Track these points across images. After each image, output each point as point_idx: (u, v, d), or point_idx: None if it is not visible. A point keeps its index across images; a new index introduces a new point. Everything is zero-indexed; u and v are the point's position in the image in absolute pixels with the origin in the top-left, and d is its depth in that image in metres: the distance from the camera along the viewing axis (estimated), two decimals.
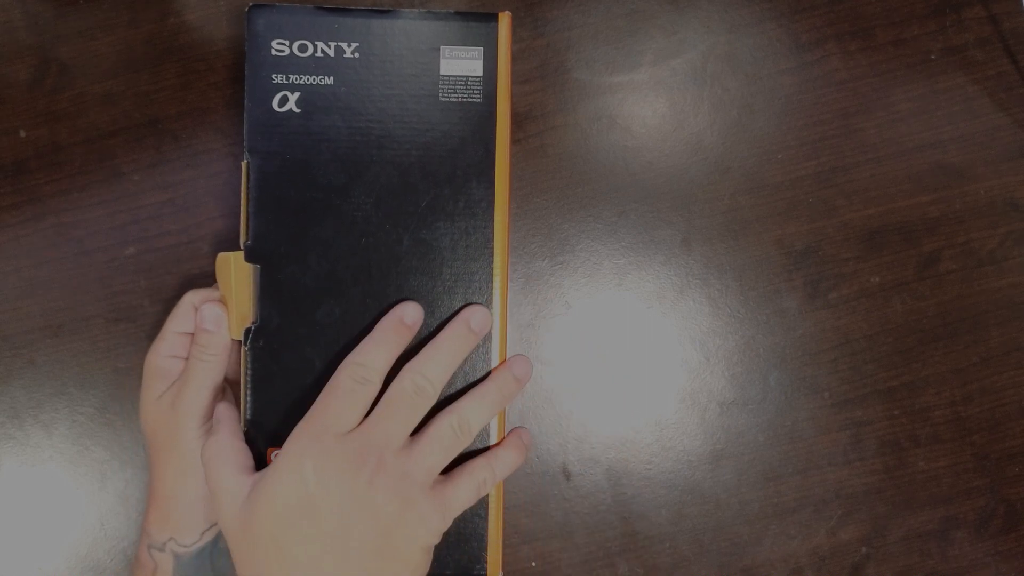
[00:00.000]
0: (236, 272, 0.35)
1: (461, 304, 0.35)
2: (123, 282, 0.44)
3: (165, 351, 0.37)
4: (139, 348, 0.43)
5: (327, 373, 0.33)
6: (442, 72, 0.35)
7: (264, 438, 0.34)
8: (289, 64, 0.35)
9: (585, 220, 0.44)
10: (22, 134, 0.44)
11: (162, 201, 0.44)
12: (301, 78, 0.35)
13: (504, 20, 0.35)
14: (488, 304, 0.35)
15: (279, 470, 0.31)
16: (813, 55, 0.45)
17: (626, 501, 0.44)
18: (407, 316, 0.33)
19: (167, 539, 0.35)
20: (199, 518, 0.35)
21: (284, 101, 0.35)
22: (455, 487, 0.33)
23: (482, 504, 0.35)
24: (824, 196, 0.45)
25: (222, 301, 0.36)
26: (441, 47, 0.35)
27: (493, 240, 0.35)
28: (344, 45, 0.35)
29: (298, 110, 0.35)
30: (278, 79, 0.35)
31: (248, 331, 0.34)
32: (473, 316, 0.34)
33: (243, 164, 0.35)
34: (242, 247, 0.35)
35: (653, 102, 0.45)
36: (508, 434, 0.36)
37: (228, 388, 0.37)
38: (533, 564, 0.43)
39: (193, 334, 0.36)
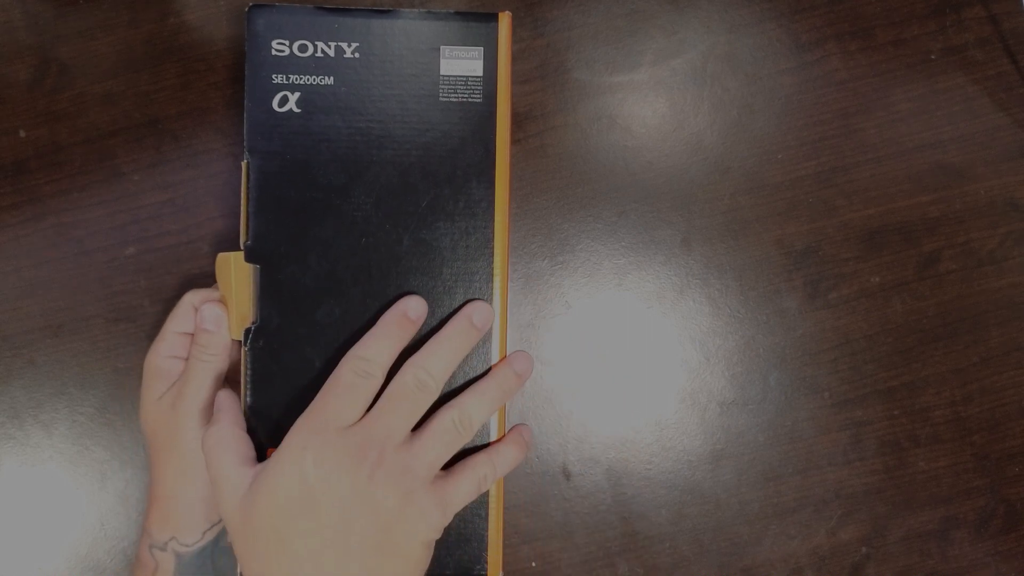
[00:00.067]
0: (236, 272, 0.35)
1: (462, 304, 0.35)
2: (123, 282, 0.44)
3: (165, 351, 0.37)
4: (139, 348, 0.43)
5: (327, 373, 0.33)
6: (442, 72, 0.35)
7: (264, 438, 0.34)
8: (289, 64, 0.35)
9: (585, 220, 0.44)
10: (22, 134, 0.44)
11: (162, 201, 0.44)
12: (301, 78, 0.35)
13: (504, 20, 0.35)
14: (488, 304, 0.35)
15: (280, 462, 0.31)
16: (813, 55, 0.45)
17: (626, 501, 0.44)
18: (411, 310, 0.33)
19: (168, 538, 0.35)
20: (200, 518, 0.35)
21: (284, 101, 0.35)
22: (456, 482, 0.33)
23: (482, 504, 0.35)
24: (824, 196, 0.45)
25: (222, 301, 0.36)
26: (441, 47, 0.35)
27: (493, 240, 0.35)
28: (344, 45, 0.35)
29: (298, 110, 0.35)
30: (278, 79, 0.35)
31: (248, 331, 0.34)
32: (475, 312, 0.34)
33: (243, 164, 0.35)
34: (242, 247, 0.35)
35: (653, 102, 0.45)
36: (509, 431, 0.36)
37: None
38: (533, 564, 0.43)
39: (193, 334, 0.36)
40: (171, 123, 0.44)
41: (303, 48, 0.35)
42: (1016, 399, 0.44)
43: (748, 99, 0.45)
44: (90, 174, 0.44)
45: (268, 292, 0.34)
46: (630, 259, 0.44)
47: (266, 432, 0.34)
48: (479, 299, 0.35)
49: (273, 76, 0.35)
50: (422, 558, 0.32)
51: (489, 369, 0.35)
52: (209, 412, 0.35)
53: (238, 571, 0.35)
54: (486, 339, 0.35)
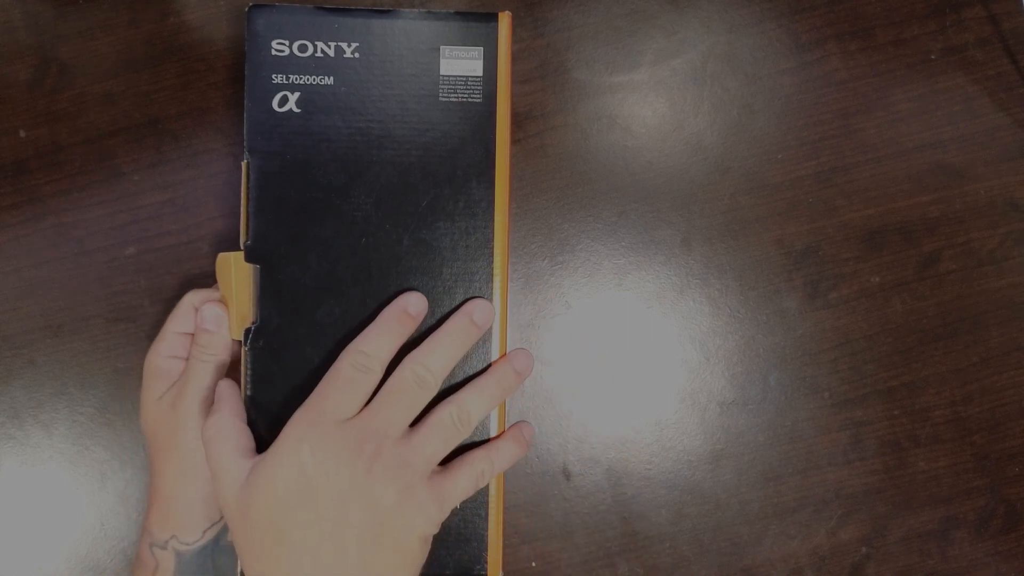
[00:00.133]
0: (236, 272, 0.35)
1: (462, 302, 0.35)
2: (123, 282, 0.44)
3: (165, 351, 0.37)
4: (139, 348, 0.43)
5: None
6: (442, 72, 0.35)
7: (264, 437, 0.34)
8: (289, 64, 0.35)
9: (585, 220, 0.44)
10: (22, 134, 0.44)
11: (162, 201, 0.44)
12: (301, 78, 0.35)
13: (504, 20, 0.35)
14: (489, 302, 0.35)
15: (278, 454, 0.31)
16: (813, 55, 0.45)
17: (626, 501, 0.44)
18: (411, 306, 0.33)
19: (169, 537, 0.35)
20: (200, 517, 0.35)
21: (284, 101, 0.35)
22: (453, 477, 0.33)
23: (482, 504, 0.35)
24: (824, 196, 0.45)
25: (222, 301, 0.36)
26: (441, 47, 0.35)
27: (493, 240, 0.35)
28: (344, 45, 0.35)
29: (298, 110, 0.35)
30: (278, 79, 0.35)
31: (248, 331, 0.34)
32: (476, 309, 0.34)
33: (243, 164, 0.35)
34: (242, 247, 0.35)
35: (653, 102, 0.45)
36: (510, 427, 0.36)
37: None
38: (533, 564, 0.43)
39: (193, 334, 0.36)
40: (171, 123, 0.44)
41: (303, 48, 0.35)
42: (1016, 399, 0.44)
43: (748, 99, 0.45)
44: (90, 174, 0.44)
45: (268, 292, 0.34)
46: (630, 259, 0.44)
47: (266, 431, 0.34)
48: (480, 297, 0.35)
49: (273, 76, 0.35)
50: (419, 552, 0.32)
51: (489, 366, 0.35)
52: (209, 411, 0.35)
53: (238, 570, 0.35)
54: (486, 339, 0.35)
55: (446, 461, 0.34)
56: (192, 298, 0.37)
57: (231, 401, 0.34)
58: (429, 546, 0.33)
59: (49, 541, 0.43)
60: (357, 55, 0.35)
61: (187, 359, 0.36)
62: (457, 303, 0.35)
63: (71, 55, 0.44)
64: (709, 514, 0.44)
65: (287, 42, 0.35)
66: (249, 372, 0.34)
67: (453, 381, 0.34)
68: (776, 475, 0.44)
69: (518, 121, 0.45)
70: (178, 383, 0.36)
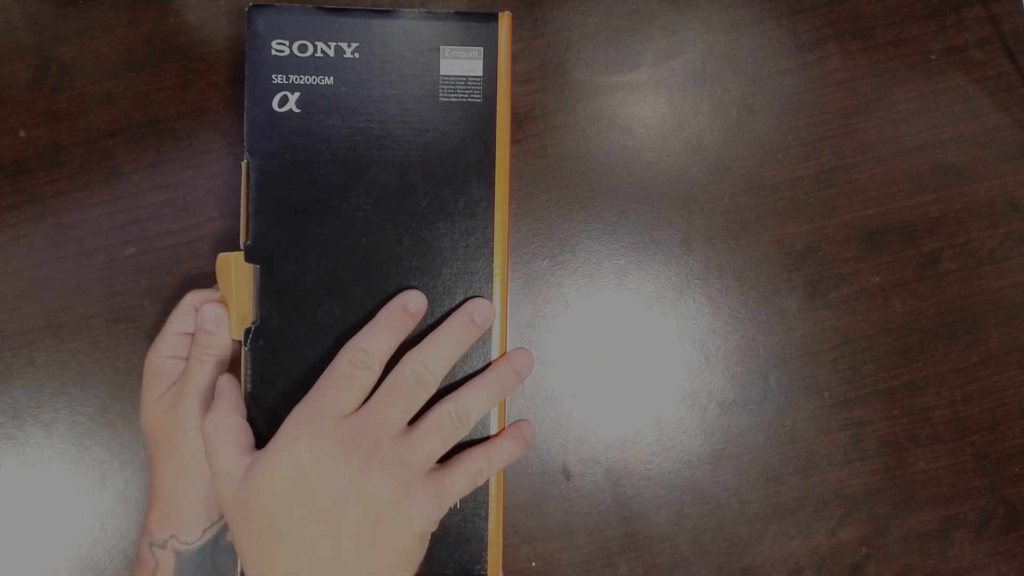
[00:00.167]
0: (236, 272, 0.35)
1: (462, 301, 0.35)
2: (123, 282, 0.44)
3: (165, 351, 0.37)
4: (139, 348, 0.43)
5: None
6: (442, 72, 0.35)
7: (264, 437, 0.34)
8: (289, 64, 0.35)
9: (585, 220, 0.44)
10: (22, 134, 0.44)
11: (162, 201, 0.44)
12: (301, 78, 0.35)
13: (504, 20, 0.35)
14: (489, 301, 0.35)
15: (275, 450, 0.31)
16: (813, 55, 0.45)
17: (626, 501, 0.44)
18: (410, 304, 0.33)
19: (168, 537, 0.35)
20: (200, 516, 0.35)
21: (284, 101, 0.35)
22: (451, 475, 0.33)
23: (482, 504, 0.35)
24: (824, 196, 0.45)
25: (222, 302, 0.36)
26: (441, 47, 0.35)
27: (493, 240, 0.35)
28: (344, 45, 0.35)
29: (298, 110, 0.35)
30: (278, 79, 0.35)
31: (248, 331, 0.34)
32: (476, 309, 0.34)
33: (243, 164, 0.35)
34: (242, 247, 0.35)
35: (653, 102, 0.45)
36: (509, 426, 0.36)
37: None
38: (533, 564, 0.43)
39: (193, 335, 0.36)
40: (171, 123, 0.44)
41: (303, 48, 0.35)
42: (1016, 399, 0.44)
43: (748, 99, 0.45)
44: (90, 174, 0.44)
45: (268, 292, 0.34)
46: (630, 259, 0.44)
47: (266, 432, 0.34)
48: (480, 296, 0.35)
49: (273, 76, 0.35)
50: (417, 550, 0.32)
51: (488, 365, 0.35)
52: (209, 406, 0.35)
53: (238, 570, 0.35)
54: (486, 339, 0.35)
55: (445, 460, 0.34)
56: (192, 298, 0.37)
57: (231, 396, 0.34)
58: (427, 544, 0.33)
59: (49, 541, 0.43)
60: (357, 55, 0.35)
61: (187, 359, 0.36)
62: (457, 303, 0.35)
63: (71, 55, 0.44)
64: (709, 514, 0.44)
65: (287, 42, 0.35)
66: (249, 372, 0.34)
67: (452, 380, 0.35)
68: (776, 475, 0.44)
69: (518, 121, 0.45)
70: (178, 383, 0.36)
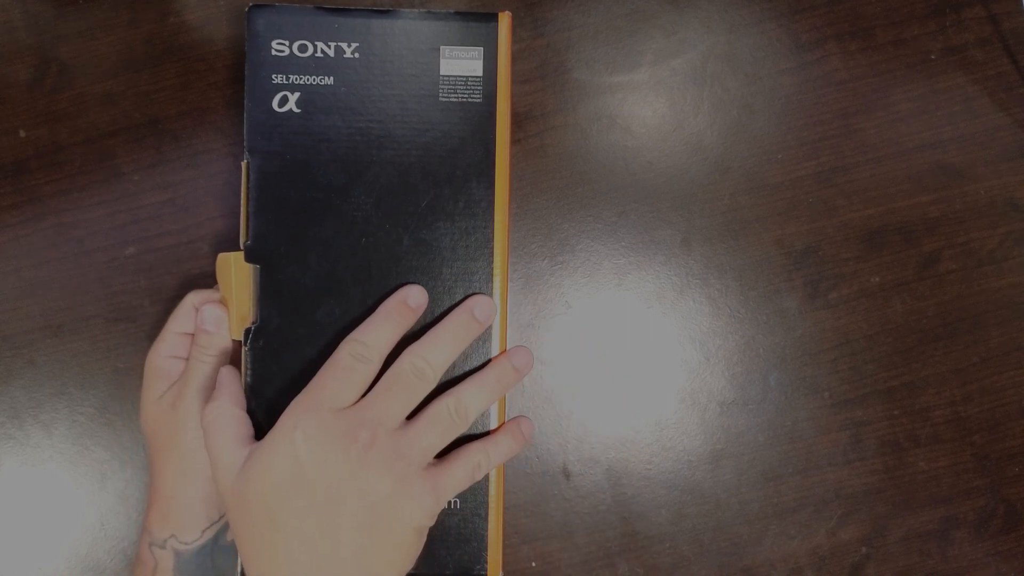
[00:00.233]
0: (236, 272, 0.35)
1: (463, 298, 0.35)
2: (123, 282, 0.44)
3: (165, 351, 0.37)
4: (139, 348, 0.43)
5: None
6: (442, 72, 0.35)
7: (264, 436, 0.34)
8: (289, 64, 0.35)
9: (585, 220, 0.44)
10: (22, 134, 0.44)
11: (162, 201, 0.44)
12: (301, 78, 0.35)
13: (504, 20, 0.35)
14: (490, 297, 0.35)
15: (273, 441, 0.31)
16: (813, 55, 0.45)
17: (626, 501, 0.44)
18: (411, 298, 0.33)
19: (168, 536, 0.35)
20: (199, 517, 0.35)
21: (284, 101, 0.35)
22: (449, 469, 0.33)
23: (482, 504, 0.35)
24: (824, 196, 0.45)
25: (222, 302, 0.36)
26: (441, 47, 0.35)
27: (493, 240, 0.35)
28: (344, 45, 0.35)
29: (298, 110, 0.35)
30: (278, 79, 0.35)
31: (248, 331, 0.34)
32: (477, 305, 0.34)
33: (243, 164, 0.35)
34: (242, 247, 0.35)
35: (653, 102, 0.45)
36: (508, 421, 0.36)
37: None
38: (533, 564, 0.43)
39: (193, 335, 0.36)
40: (171, 123, 0.44)
41: (303, 48, 0.35)
42: (1016, 399, 0.44)
43: (748, 99, 0.45)
44: (90, 174, 0.44)
45: (268, 292, 0.34)
46: (630, 259, 0.44)
47: (265, 431, 0.34)
48: (481, 293, 0.35)
49: (273, 76, 0.35)
50: (414, 543, 0.32)
51: (488, 362, 0.35)
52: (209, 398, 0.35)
53: (238, 570, 0.35)
54: (485, 339, 0.35)
55: (445, 457, 0.34)
56: (193, 299, 0.37)
57: (231, 388, 0.34)
58: (424, 538, 0.33)
59: (49, 541, 0.43)
60: (357, 55, 0.35)
61: (187, 360, 0.37)
62: (458, 302, 0.35)
63: (71, 55, 0.44)
64: (709, 514, 0.44)
65: (287, 42, 0.35)
66: (249, 372, 0.34)
67: (452, 376, 0.35)
68: (776, 475, 0.44)
69: (518, 121, 0.45)
70: (178, 383, 0.36)
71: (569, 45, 0.45)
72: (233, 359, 0.37)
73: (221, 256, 0.35)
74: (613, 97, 0.45)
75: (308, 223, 0.34)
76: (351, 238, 0.34)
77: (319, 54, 0.35)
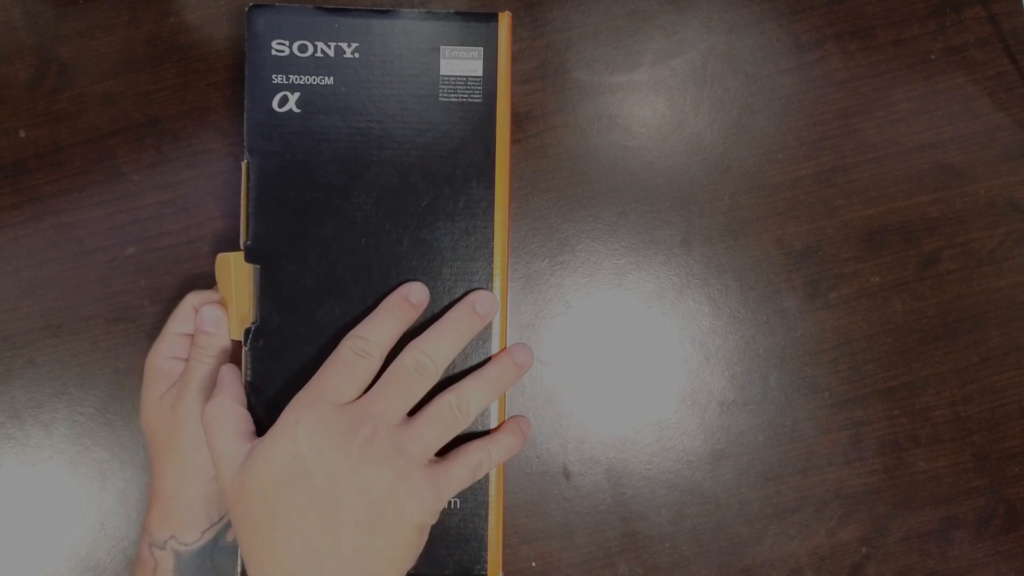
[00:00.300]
0: (236, 272, 0.35)
1: (464, 293, 0.35)
2: (123, 282, 0.44)
3: (165, 352, 0.37)
4: (139, 348, 0.43)
5: None
6: (442, 72, 0.35)
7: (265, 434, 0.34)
8: (289, 64, 0.35)
9: (585, 220, 0.44)
10: (22, 134, 0.44)
11: (162, 201, 0.44)
12: (301, 78, 0.35)
13: (504, 20, 0.35)
14: (492, 293, 0.35)
15: (274, 436, 0.31)
16: (813, 55, 0.45)
17: (626, 501, 0.44)
18: (412, 295, 0.33)
19: (168, 537, 0.35)
20: (200, 517, 0.35)
21: (284, 101, 0.35)
22: (450, 466, 0.33)
23: (482, 504, 0.35)
24: (824, 196, 0.45)
25: (222, 303, 0.36)
26: (441, 47, 0.35)
27: (493, 240, 0.35)
28: (344, 45, 0.35)
29: (298, 110, 0.35)
30: (278, 79, 0.35)
31: (248, 331, 0.34)
32: (478, 300, 0.34)
33: (243, 164, 0.35)
34: (242, 247, 0.35)
35: (653, 102, 0.45)
36: (507, 420, 0.36)
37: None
38: (533, 564, 0.43)
39: (193, 336, 0.36)
40: (171, 123, 0.44)
41: (303, 48, 0.35)
42: (1016, 399, 0.44)
43: (748, 99, 0.45)
44: (90, 174, 0.44)
45: (268, 292, 0.34)
46: (630, 259, 0.44)
47: (266, 431, 0.34)
48: (483, 288, 0.35)
49: (273, 76, 0.35)
50: (414, 541, 0.32)
51: (489, 359, 0.35)
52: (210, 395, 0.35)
53: (238, 570, 0.35)
54: (486, 339, 0.35)
55: (446, 455, 0.34)
56: (193, 299, 0.37)
57: (232, 385, 0.34)
58: (426, 536, 0.33)
59: (49, 541, 0.43)
60: (357, 55, 0.35)
61: (187, 360, 0.37)
62: (458, 299, 0.35)
63: (71, 55, 0.44)
64: (709, 514, 0.44)
65: (287, 42, 0.35)
66: (249, 372, 0.34)
67: (453, 374, 0.34)
68: (776, 475, 0.44)
69: (518, 121, 0.45)
70: (178, 383, 0.36)
71: (569, 45, 0.45)
72: (233, 359, 0.37)
73: (221, 256, 0.35)
74: (613, 97, 0.45)
75: (308, 223, 0.34)
76: (351, 238, 0.34)
77: (319, 54, 0.35)
